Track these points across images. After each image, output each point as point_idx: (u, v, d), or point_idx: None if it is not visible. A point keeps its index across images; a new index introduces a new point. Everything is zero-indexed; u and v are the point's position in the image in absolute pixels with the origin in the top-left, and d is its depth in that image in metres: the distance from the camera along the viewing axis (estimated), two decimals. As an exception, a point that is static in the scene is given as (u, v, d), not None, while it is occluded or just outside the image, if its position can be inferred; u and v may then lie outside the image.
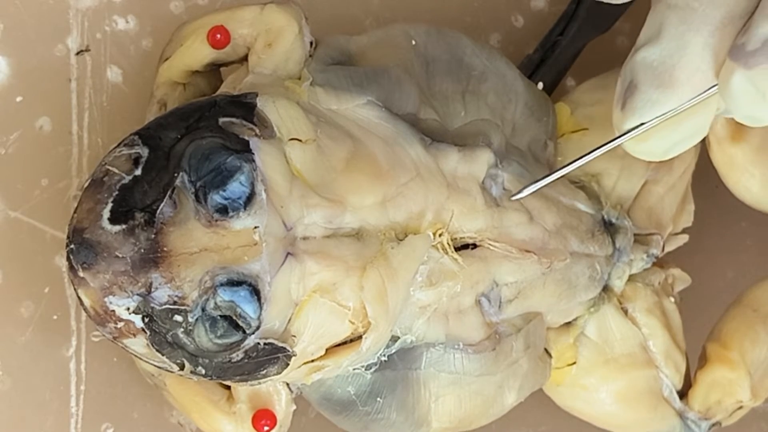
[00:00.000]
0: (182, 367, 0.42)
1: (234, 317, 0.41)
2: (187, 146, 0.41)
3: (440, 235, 0.47)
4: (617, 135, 0.45)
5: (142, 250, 0.40)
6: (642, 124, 0.44)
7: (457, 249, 0.48)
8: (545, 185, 0.48)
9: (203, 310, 0.41)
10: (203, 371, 0.42)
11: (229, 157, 0.41)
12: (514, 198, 0.49)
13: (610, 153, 0.54)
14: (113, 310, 0.40)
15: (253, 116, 0.43)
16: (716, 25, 0.43)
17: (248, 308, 0.41)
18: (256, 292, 0.41)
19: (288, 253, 0.42)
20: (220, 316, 0.41)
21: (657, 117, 0.44)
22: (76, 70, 0.52)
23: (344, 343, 0.45)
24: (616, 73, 0.55)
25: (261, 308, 0.41)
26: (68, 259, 0.40)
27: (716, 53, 0.43)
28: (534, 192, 0.51)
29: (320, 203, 0.43)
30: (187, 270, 0.40)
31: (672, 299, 0.56)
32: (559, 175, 0.48)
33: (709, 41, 0.43)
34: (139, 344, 0.41)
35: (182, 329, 0.41)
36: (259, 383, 0.45)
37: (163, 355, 0.42)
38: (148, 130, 0.42)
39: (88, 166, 0.51)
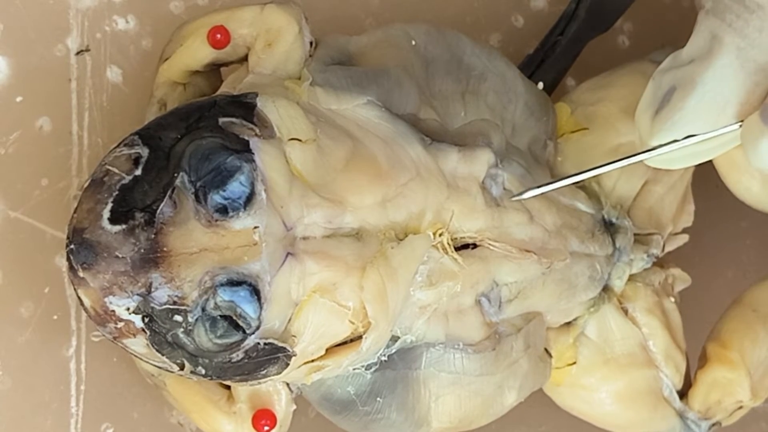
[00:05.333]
0: (182, 367, 0.42)
1: (234, 317, 0.41)
2: (187, 146, 0.41)
3: (440, 235, 0.47)
4: (644, 148, 0.46)
5: (142, 250, 0.40)
6: (674, 141, 0.46)
7: (457, 249, 0.48)
8: (549, 190, 0.49)
9: (203, 310, 0.41)
10: (203, 371, 0.42)
11: (229, 157, 0.41)
12: (515, 198, 0.49)
13: (610, 153, 0.54)
14: (113, 310, 0.40)
15: (253, 116, 0.43)
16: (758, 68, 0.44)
17: (248, 308, 0.41)
18: (256, 292, 0.41)
19: (288, 253, 0.42)
20: (220, 316, 0.41)
21: (688, 137, 0.45)
22: (76, 70, 0.52)
23: (344, 343, 0.45)
24: (616, 72, 0.56)
25: (261, 308, 0.41)
26: (68, 259, 0.40)
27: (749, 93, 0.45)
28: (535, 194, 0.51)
29: (320, 203, 0.43)
30: (187, 270, 0.40)
31: (672, 299, 0.56)
32: (567, 182, 0.49)
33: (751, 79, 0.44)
34: (139, 344, 0.41)
35: (182, 329, 0.41)
36: (259, 383, 0.45)
37: (163, 355, 0.42)
38: (148, 130, 0.42)
39: (88, 166, 0.51)
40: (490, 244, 0.49)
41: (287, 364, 0.43)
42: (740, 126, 0.45)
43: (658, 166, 0.48)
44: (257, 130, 0.42)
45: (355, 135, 0.45)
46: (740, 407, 0.56)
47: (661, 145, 0.46)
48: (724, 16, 0.44)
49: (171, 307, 0.40)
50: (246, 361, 0.42)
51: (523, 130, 0.52)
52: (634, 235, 0.55)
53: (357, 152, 0.45)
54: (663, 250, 0.56)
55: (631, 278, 0.55)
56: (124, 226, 0.40)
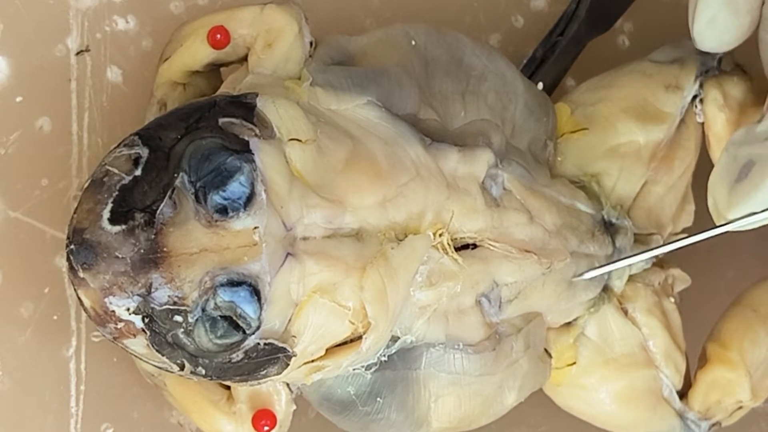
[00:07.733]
0: (182, 368, 0.42)
1: (234, 317, 0.41)
2: (187, 146, 0.41)
3: (440, 235, 0.47)
4: (720, 219, 0.47)
5: (142, 251, 0.40)
6: (752, 213, 0.46)
7: (457, 249, 0.48)
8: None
9: (203, 310, 0.41)
10: (203, 371, 0.42)
11: (229, 158, 0.41)
12: (577, 279, 0.52)
13: (610, 153, 0.54)
14: (113, 311, 0.40)
15: (253, 116, 0.43)
16: None
17: (248, 308, 0.41)
18: (256, 293, 0.41)
19: (288, 254, 0.42)
20: (220, 316, 0.41)
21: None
22: (76, 70, 0.52)
23: (344, 343, 0.45)
24: (616, 72, 0.56)
25: (261, 308, 0.41)
26: (68, 259, 0.40)
27: None
28: (534, 194, 0.51)
29: (320, 203, 0.43)
30: (187, 270, 0.40)
31: (672, 299, 0.56)
32: (629, 262, 0.52)
33: None
34: (139, 344, 0.41)
35: (182, 329, 0.41)
36: (259, 383, 0.45)
37: (163, 355, 0.42)
38: (148, 130, 0.42)
39: (88, 166, 0.51)
40: (490, 244, 0.49)
41: (287, 365, 0.43)
42: None
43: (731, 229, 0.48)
44: (257, 131, 0.42)
45: (355, 135, 0.45)
46: (740, 407, 0.56)
47: (736, 219, 0.46)
48: None
49: (171, 307, 0.40)
50: (246, 361, 0.42)
51: (523, 130, 0.52)
52: (634, 235, 0.55)
53: (357, 152, 0.45)
54: (663, 250, 0.56)
55: (631, 278, 0.55)
56: (124, 227, 0.40)
